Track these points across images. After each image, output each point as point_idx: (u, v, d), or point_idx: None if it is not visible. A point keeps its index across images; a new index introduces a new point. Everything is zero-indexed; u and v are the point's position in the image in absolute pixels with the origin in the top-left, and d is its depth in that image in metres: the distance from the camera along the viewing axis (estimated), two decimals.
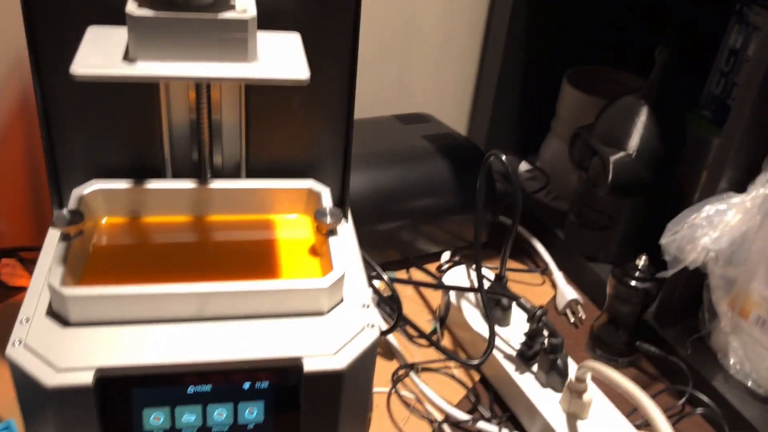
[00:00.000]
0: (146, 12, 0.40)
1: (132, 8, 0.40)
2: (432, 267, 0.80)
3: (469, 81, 1.00)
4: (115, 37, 0.44)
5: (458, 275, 0.74)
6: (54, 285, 0.44)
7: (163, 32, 0.40)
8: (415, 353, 0.69)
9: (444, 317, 0.71)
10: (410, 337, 0.70)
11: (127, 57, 0.41)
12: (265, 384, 0.46)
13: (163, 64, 0.41)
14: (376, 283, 0.72)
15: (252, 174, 0.57)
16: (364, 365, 0.47)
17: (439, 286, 0.73)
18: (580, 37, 0.92)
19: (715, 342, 0.67)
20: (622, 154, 0.72)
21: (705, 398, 0.64)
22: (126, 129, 0.53)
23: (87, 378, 0.42)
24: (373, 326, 0.48)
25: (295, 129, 0.56)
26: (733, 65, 0.71)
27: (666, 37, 0.79)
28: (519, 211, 0.61)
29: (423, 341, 0.70)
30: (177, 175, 0.55)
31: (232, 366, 0.45)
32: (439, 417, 0.63)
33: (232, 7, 0.42)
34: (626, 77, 0.87)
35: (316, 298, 0.47)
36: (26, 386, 0.43)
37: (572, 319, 0.76)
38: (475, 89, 1.00)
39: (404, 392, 0.65)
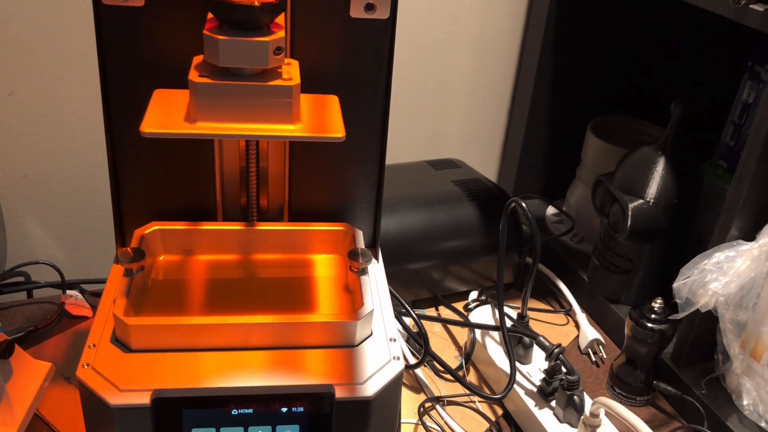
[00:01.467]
0: (206, 80, 0.46)
1: (194, 76, 0.47)
2: (460, 305, 0.84)
3: (498, 129, 1.06)
4: (178, 99, 0.50)
5: (484, 314, 0.78)
6: (118, 315, 0.50)
7: (219, 97, 0.47)
8: (442, 387, 0.73)
9: (469, 354, 0.76)
10: (437, 372, 0.75)
11: (188, 117, 0.48)
12: (300, 409, 0.51)
13: (218, 124, 0.47)
14: (406, 320, 0.77)
15: (293, 217, 0.62)
16: (390, 393, 0.52)
17: (464, 323, 0.77)
18: (603, 89, 0.97)
19: (730, 383, 0.70)
20: (640, 201, 0.76)
21: None
22: (183, 177, 0.59)
23: (145, 399, 0.48)
24: (398, 358, 0.53)
25: (333, 177, 0.62)
26: (747, 118, 0.75)
27: (683, 90, 0.84)
28: (538, 255, 0.66)
29: (449, 376, 0.74)
30: (227, 217, 0.62)
31: (271, 392, 0.50)
32: None
33: (279, 75, 0.48)
34: (647, 127, 0.91)
35: (347, 332, 0.52)
36: (92, 404, 0.49)
37: (594, 359, 0.79)
38: (504, 137, 1.06)
39: (430, 424, 0.69)
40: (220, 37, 0.45)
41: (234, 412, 0.50)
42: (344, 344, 0.53)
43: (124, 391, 0.48)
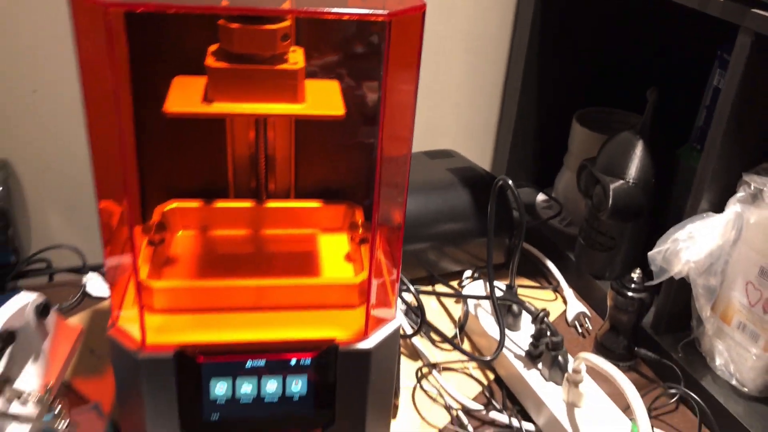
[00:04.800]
0: (222, 64, 0.53)
1: (210, 62, 0.53)
2: (454, 283, 0.90)
3: (491, 122, 1.12)
4: (196, 84, 0.56)
5: (476, 288, 0.84)
6: (142, 279, 0.56)
7: (233, 79, 0.53)
8: (438, 356, 0.79)
9: (463, 325, 0.81)
10: (433, 342, 0.80)
11: (206, 99, 0.54)
12: (307, 361, 0.56)
13: (232, 104, 0.53)
14: (405, 296, 0.82)
15: (299, 196, 0.68)
16: (388, 347, 0.58)
17: (458, 295, 0.83)
18: (587, 82, 1.03)
19: (704, 346, 0.75)
20: (621, 182, 0.82)
21: (695, 396, 0.72)
22: (199, 160, 0.65)
23: (168, 352, 0.54)
24: (395, 317, 0.58)
25: (335, 159, 0.67)
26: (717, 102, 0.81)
27: (660, 79, 0.89)
28: (523, 227, 0.72)
29: (444, 346, 0.80)
30: (238, 198, 0.67)
31: (282, 345, 0.56)
32: (458, 408, 0.72)
33: (286, 60, 0.54)
34: (627, 116, 0.97)
35: (349, 293, 0.58)
36: (122, 359, 0.54)
37: (580, 330, 0.85)
38: (496, 129, 1.12)
39: (427, 387, 0.74)
40: (234, 25, 0.51)
41: (248, 364, 0.56)
42: (347, 305, 0.58)
43: (150, 345, 0.54)
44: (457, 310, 0.86)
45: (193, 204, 0.66)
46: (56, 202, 0.95)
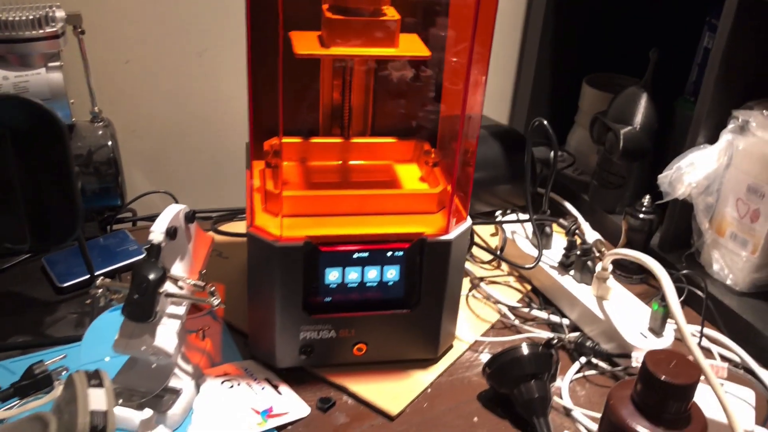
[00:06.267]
0: (337, 16, 0.68)
1: (328, 15, 0.68)
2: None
3: (508, 88, 1.28)
4: (309, 36, 0.71)
5: (512, 218, 0.99)
6: (270, 189, 0.71)
7: (346, 29, 0.68)
8: (483, 273, 0.94)
9: (503, 248, 0.97)
10: (477, 263, 0.96)
11: (323, 44, 0.69)
12: (401, 253, 0.72)
13: (345, 48, 0.68)
14: None
15: (376, 135, 0.84)
16: (462, 241, 0.73)
17: (500, 221, 0.99)
18: (592, 50, 1.20)
19: (703, 256, 0.92)
20: (629, 127, 0.99)
21: (698, 285, 0.88)
22: (295, 106, 0.80)
23: (298, 242, 0.69)
24: (466, 219, 0.74)
25: (405, 104, 0.83)
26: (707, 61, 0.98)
27: (658, 42, 1.06)
28: (557, 154, 0.88)
29: (486, 266, 0.96)
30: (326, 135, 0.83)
31: (380, 238, 0.71)
32: (504, 308, 0.88)
33: (385, 14, 0.69)
34: (626, 79, 1.14)
35: (429, 201, 0.74)
36: (260, 249, 0.69)
37: (598, 254, 1.01)
38: (513, 94, 1.28)
39: (477, 296, 0.90)
40: None
41: (355, 255, 0.71)
42: (428, 210, 0.74)
43: (283, 238, 0.68)
44: (493, 242, 1.02)
45: (295, 140, 0.81)
46: (140, 159, 1.09)
